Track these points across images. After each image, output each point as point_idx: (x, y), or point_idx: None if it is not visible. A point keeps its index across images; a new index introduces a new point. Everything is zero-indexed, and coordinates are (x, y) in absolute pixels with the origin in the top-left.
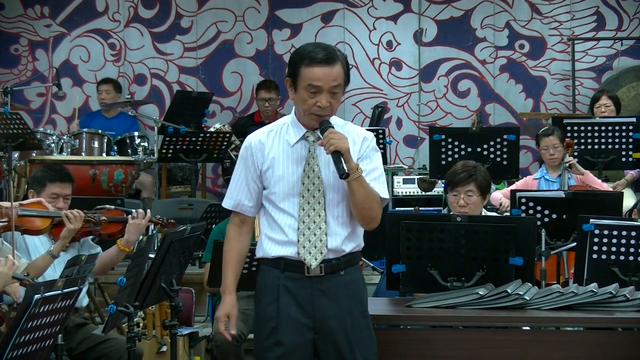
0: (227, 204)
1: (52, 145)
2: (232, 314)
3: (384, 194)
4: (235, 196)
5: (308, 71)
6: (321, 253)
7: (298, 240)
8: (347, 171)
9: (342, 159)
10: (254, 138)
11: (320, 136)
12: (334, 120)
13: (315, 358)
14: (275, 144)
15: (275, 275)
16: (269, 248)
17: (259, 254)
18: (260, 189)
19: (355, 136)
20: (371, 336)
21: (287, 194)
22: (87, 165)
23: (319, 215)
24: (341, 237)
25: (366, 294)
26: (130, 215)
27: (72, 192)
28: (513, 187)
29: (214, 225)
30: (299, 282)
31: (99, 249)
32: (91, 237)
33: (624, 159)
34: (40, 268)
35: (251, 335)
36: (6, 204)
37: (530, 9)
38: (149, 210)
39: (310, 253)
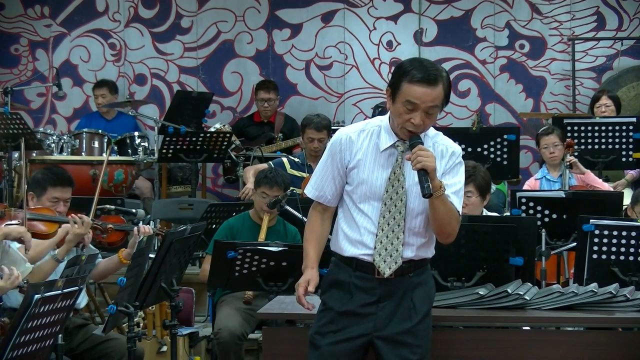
0: (310, 192)
1: (52, 145)
2: (314, 280)
3: (459, 208)
4: (320, 187)
5: (409, 87)
6: (395, 263)
7: (375, 247)
8: (430, 191)
9: (427, 177)
10: (345, 134)
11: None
12: (429, 130)
13: (370, 355)
14: (365, 145)
15: (347, 272)
16: (345, 246)
17: (334, 247)
18: (344, 183)
19: (444, 149)
20: (429, 337)
21: (369, 197)
22: (87, 165)
23: (398, 225)
24: (415, 247)
25: (434, 295)
26: (135, 229)
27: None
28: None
29: (214, 225)
30: (370, 282)
31: (98, 251)
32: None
33: (624, 159)
34: (45, 272)
35: (252, 335)
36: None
37: (530, 9)
38: (151, 224)
39: (385, 261)
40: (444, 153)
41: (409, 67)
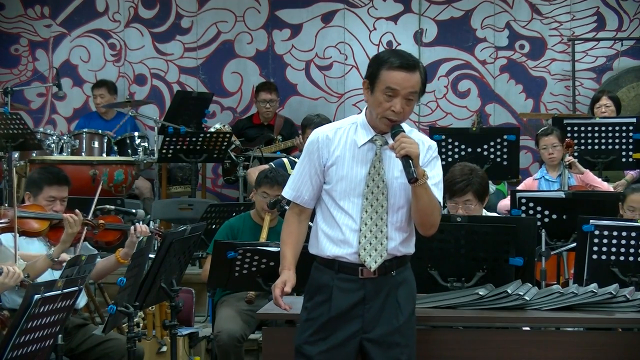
0: (287, 194)
1: (52, 145)
2: (290, 281)
3: (440, 199)
4: (297, 187)
5: (388, 74)
6: (381, 256)
7: (359, 242)
8: (416, 176)
9: (411, 163)
10: (321, 133)
11: (389, 140)
12: (403, 125)
13: (360, 357)
14: (342, 142)
15: (329, 275)
16: (325, 246)
17: (313, 250)
18: (322, 183)
19: (421, 144)
20: (415, 334)
21: (349, 194)
22: (87, 165)
23: (381, 219)
24: (397, 242)
25: (416, 293)
26: (132, 228)
27: (68, 194)
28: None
29: (214, 226)
30: (353, 283)
31: (96, 252)
32: (88, 242)
33: (624, 160)
34: (38, 271)
35: (252, 336)
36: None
37: (530, 9)
38: (150, 224)
39: (370, 256)
40: (421, 148)
41: (386, 56)
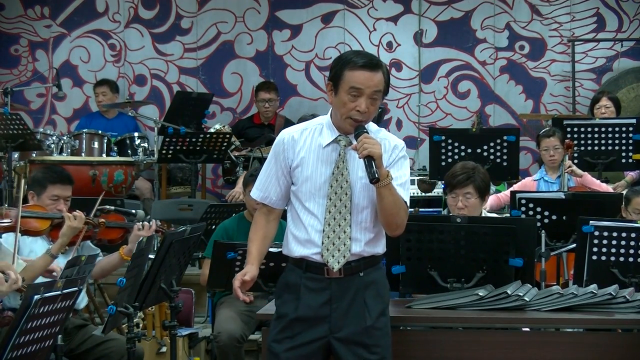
0: (254, 194)
1: (52, 145)
2: (250, 273)
3: (407, 199)
4: (265, 188)
5: (352, 74)
6: (344, 257)
7: (322, 243)
8: (377, 176)
9: (374, 164)
10: (287, 134)
11: (353, 141)
12: (370, 126)
13: (331, 357)
14: (307, 143)
15: (297, 274)
16: (293, 247)
17: (285, 251)
18: (290, 184)
19: (387, 143)
20: (388, 335)
21: (313, 195)
22: (87, 165)
23: (344, 219)
24: (362, 243)
25: (388, 293)
26: (135, 225)
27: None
28: (512, 189)
29: (213, 226)
30: (320, 282)
31: (98, 251)
32: (90, 240)
33: (624, 160)
34: (38, 268)
35: (252, 336)
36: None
37: (530, 10)
38: (153, 221)
39: (333, 256)
40: (387, 147)
41: (349, 56)
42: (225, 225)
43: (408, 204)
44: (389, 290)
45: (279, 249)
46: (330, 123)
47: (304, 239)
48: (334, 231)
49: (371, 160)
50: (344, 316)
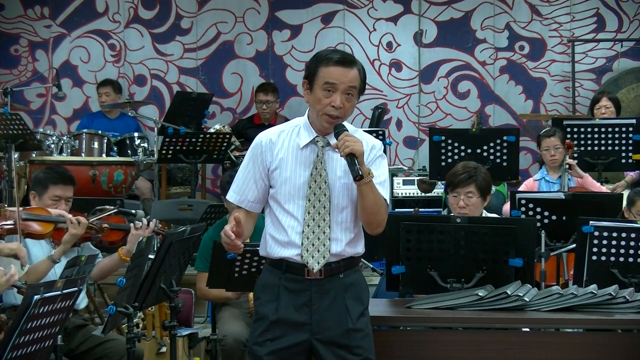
0: (232, 197)
1: (52, 145)
2: (240, 220)
3: (387, 197)
4: (242, 191)
5: (326, 71)
6: (324, 257)
7: (302, 244)
8: (360, 173)
9: (356, 161)
10: (265, 136)
11: (331, 141)
12: (347, 125)
13: (312, 358)
14: (285, 145)
15: (276, 275)
16: (272, 249)
17: (262, 252)
18: (267, 187)
19: (364, 144)
20: (369, 336)
21: (293, 196)
22: (87, 166)
23: (324, 220)
24: (343, 243)
25: (367, 295)
26: (132, 224)
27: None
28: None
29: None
30: (299, 284)
31: (98, 252)
32: (91, 242)
33: (623, 161)
34: (40, 273)
35: None
36: (11, 208)
37: (530, 10)
38: (153, 221)
39: (313, 257)
40: (365, 147)
41: (324, 53)
42: (209, 234)
43: (388, 202)
44: (368, 292)
45: None
46: (307, 124)
47: (284, 241)
48: (313, 232)
49: (353, 158)
50: (324, 317)
